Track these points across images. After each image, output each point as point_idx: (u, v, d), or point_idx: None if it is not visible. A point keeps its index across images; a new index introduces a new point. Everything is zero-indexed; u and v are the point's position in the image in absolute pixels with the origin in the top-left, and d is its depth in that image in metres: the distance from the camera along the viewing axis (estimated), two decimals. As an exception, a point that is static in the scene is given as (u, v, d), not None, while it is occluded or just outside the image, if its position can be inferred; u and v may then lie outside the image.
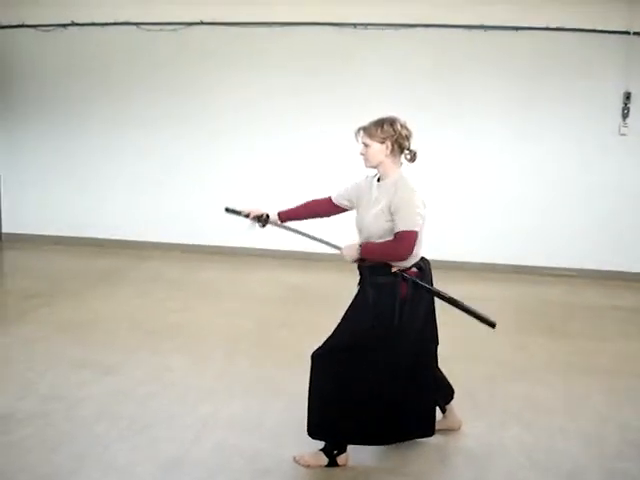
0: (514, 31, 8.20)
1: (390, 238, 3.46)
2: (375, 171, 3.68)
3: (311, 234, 4.01)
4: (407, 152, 3.63)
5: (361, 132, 3.59)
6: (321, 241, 3.91)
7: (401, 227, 3.40)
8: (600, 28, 8.04)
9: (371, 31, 8.45)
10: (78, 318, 6.14)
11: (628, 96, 8.14)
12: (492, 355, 5.49)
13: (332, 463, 3.59)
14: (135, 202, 9.43)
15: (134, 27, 8.88)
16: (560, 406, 4.52)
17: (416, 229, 3.41)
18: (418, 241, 3.46)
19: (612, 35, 8.05)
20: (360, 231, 3.65)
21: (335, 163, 8.57)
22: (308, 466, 3.58)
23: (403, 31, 8.38)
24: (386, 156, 3.55)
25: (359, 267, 3.63)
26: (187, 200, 9.29)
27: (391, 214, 3.43)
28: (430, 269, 3.68)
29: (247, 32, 8.69)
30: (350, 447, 3.64)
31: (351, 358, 3.49)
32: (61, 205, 9.61)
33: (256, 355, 5.31)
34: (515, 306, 7.09)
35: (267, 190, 8.99)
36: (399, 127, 3.56)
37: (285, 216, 4.08)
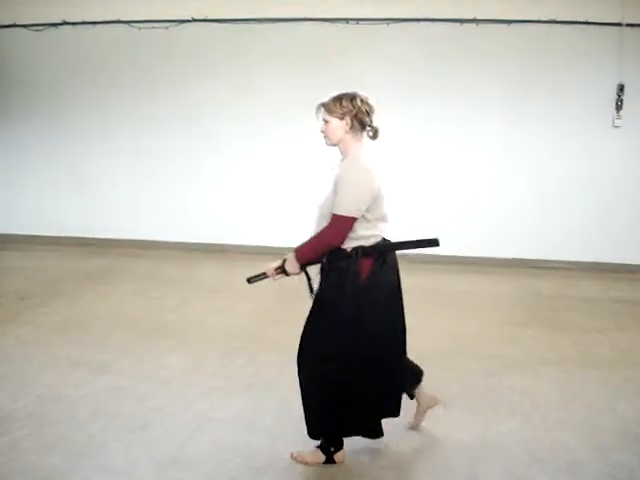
0: (506, 25, 8.21)
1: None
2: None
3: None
4: (369, 129, 3.46)
5: (321, 108, 3.47)
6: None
7: (336, 210, 3.27)
8: (592, 20, 8.06)
9: (363, 26, 8.45)
10: (73, 318, 6.12)
11: (621, 88, 8.16)
12: (488, 348, 5.49)
13: (329, 460, 3.57)
14: (130, 201, 9.43)
15: (126, 25, 8.89)
16: (557, 398, 4.51)
17: (350, 214, 3.26)
18: (370, 225, 3.35)
19: (604, 27, 8.08)
20: (316, 212, 3.51)
21: (330, 158, 8.55)
22: (306, 464, 3.56)
23: (395, 26, 8.39)
24: (346, 132, 3.41)
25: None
26: (182, 198, 9.30)
27: (335, 192, 3.31)
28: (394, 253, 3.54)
29: (239, 29, 8.70)
30: (346, 444, 3.63)
31: (326, 353, 3.44)
32: (55, 205, 9.61)
33: (252, 352, 5.30)
34: (511, 299, 7.09)
35: (263, 186, 9.01)
36: (359, 102, 3.41)
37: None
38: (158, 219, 9.36)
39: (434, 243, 3.43)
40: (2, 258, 8.97)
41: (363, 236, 3.36)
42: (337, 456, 3.58)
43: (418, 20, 8.32)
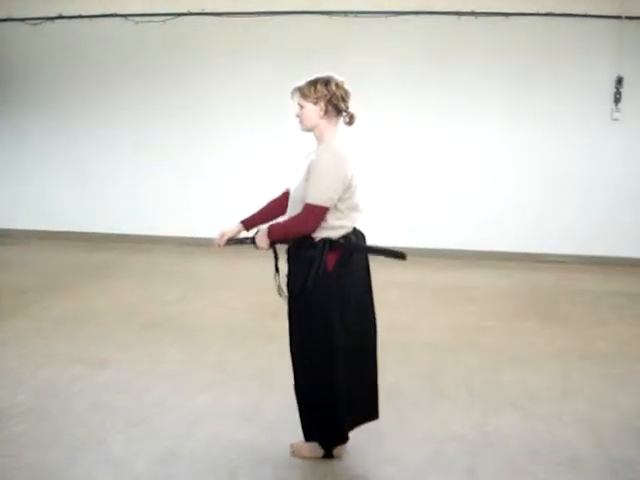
0: (505, 17, 8.18)
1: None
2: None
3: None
4: (345, 115, 3.38)
5: (296, 92, 3.40)
6: None
7: (308, 199, 3.21)
8: (591, 13, 8.03)
9: (361, 19, 8.42)
10: (73, 312, 6.11)
11: (620, 81, 8.14)
12: (488, 342, 5.48)
13: (328, 454, 3.54)
14: (130, 196, 9.43)
15: (122, 19, 8.84)
16: (557, 392, 4.51)
17: (324, 204, 3.20)
18: (341, 215, 3.29)
19: (603, 20, 8.06)
20: (290, 198, 3.48)
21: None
22: (304, 457, 3.54)
23: (394, 19, 8.36)
24: (320, 118, 3.33)
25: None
26: (182, 193, 9.28)
27: (306, 179, 3.26)
28: (365, 242, 3.49)
29: (237, 21, 8.66)
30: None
31: (302, 348, 3.44)
32: (55, 200, 9.60)
33: (251, 346, 5.30)
34: (511, 293, 7.09)
35: (263, 181, 8.97)
36: (334, 87, 3.32)
37: (251, 224, 3.77)
38: (158, 214, 9.34)
39: (400, 256, 3.31)
40: (1, 253, 8.95)
41: (334, 226, 3.29)
42: (336, 451, 3.55)
43: (417, 13, 8.29)
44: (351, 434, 3.57)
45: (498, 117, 8.52)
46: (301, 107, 3.38)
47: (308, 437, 3.56)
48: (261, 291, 6.89)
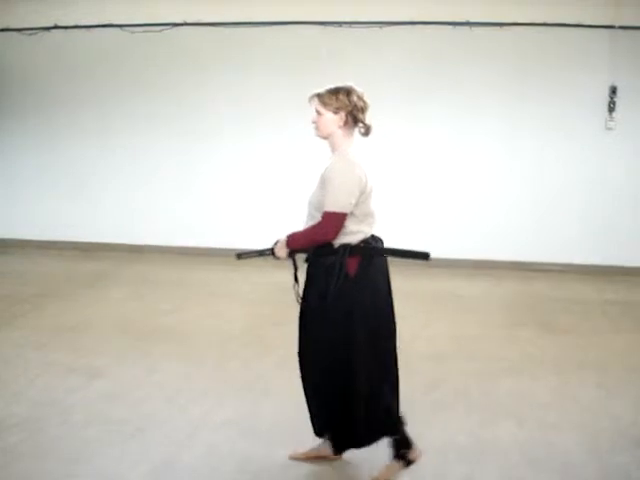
0: (499, 27, 8.21)
1: None
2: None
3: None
4: (361, 126, 3.39)
5: (315, 99, 3.39)
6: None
7: (326, 206, 3.21)
8: (585, 22, 8.06)
9: (356, 29, 8.43)
10: (68, 322, 6.10)
11: (614, 90, 8.16)
12: (484, 351, 5.49)
13: (408, 463, 3.46)
14: (124, 205, 9.41)
15: (118, 29, 8.84)
16: (553, 400, 4.52)
17: (343, 210, 3.20)
18: (358, 220, 3.28)
19: (597, 29, 8.08)
20: (307, 207, 3.45)
21: (321, 161, 8.59)
22: None
23: (388, 29, 8.37)
24: (338, 127, 3.34)
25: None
26: (177, 201, 9.27)
27: (322, 187, 3.27)
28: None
29: (232, 32, 8.66)
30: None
31: (324, 359, 3.37)
32: (49, 209, 9.56)
33: (247, 356, 5.29)
34: (506, 302, 7.09)
35: (259, 189, 9.01)
36: (355, 98, 3.33)
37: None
38: (153, 223, 9.32)
39: (423, 256, 3.32)
40: (-4, 263, 8.95)
41: (352, 231, 3.29)
42: (411, 456, 3.47)
43: (412, 23, 8.30)
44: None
45: (493, 126, 8.54)
46: (319, 114, 3.38)
47: (319, 432, 3.55)
48: (257, 301, 6.92)
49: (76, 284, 7.57)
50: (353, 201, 3.24)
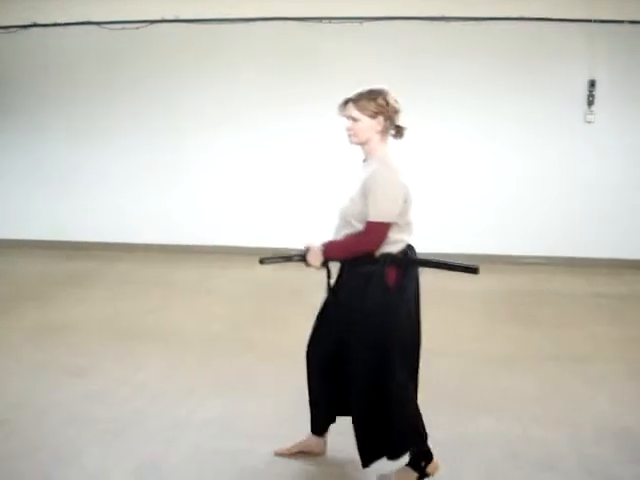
0: (477, 22, 8.24)
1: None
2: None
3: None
4: (392, 127, 3.28)
5: (349, 104, 3.24)
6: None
7: (370, 216, 3.11)
8: (562, 17, 8.11)
9: (336, 25, 8.44)
10: (50, 322, 6.06)
11: (593, 84, 8.23)
12: (464, 345, 5.51)
13: (423, 475, 3.38)
14: (109, 204, 9.38)
15: (96, 26, 8.78)
16: (534, 394, 4.54)
17: (388, 220, 3.12)
18: (400, 229, 3.21)
19: (574, 23, 8.14)
20: (339, 215, 3.33)
21: (305, 157, 8.59)
22: None
23: (368, 24, 8.39)
24: (376, 132, 3.22)
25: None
26: (160, 200, 9.25)
27: (364, 195, 3.13)
28: (416, 255, 3.39)
29: (210, 29, 8.64)
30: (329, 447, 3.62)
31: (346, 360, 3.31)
32: (32, 209, 9.52)
33: (230, 354, 5.28)
34: (489, 296, 7.12)
35: (242, 187, 9.00)
36: (392, 101, 3.24)
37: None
38: (137, 221, 9.28)
39: (472, 270, 3.25)
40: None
41: (394, 240, 3.20)
42: (429, 468, 3.38)
43: (391, 18, 8.32)
44: (330, 437, 3.58)
45: (471, 121, 8.57)
46: (355, 120, 3.22)
47: (317, 430, 3.55)
48: (240, 299, 6.92)
49: (58, 283, 7.52)
50: (397, 211, 3.16)
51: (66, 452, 3.68)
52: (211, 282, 7.73)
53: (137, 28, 8.74)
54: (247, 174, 9.01)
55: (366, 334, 3.22)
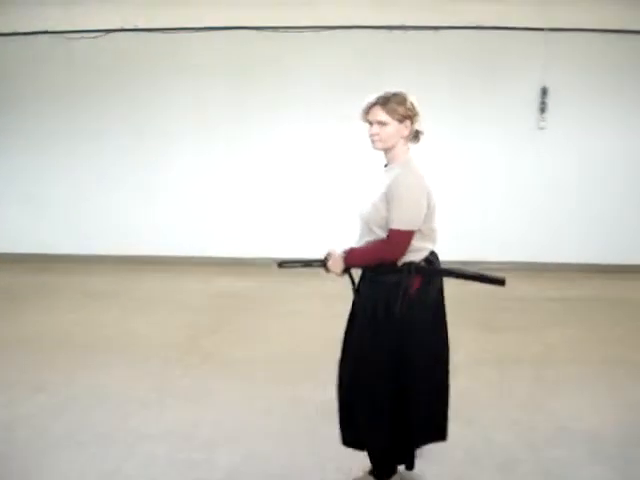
0: (434, 31, 8.32)
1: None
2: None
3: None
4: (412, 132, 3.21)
5: (376, 108, 3.12)
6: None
7: (394, 224, 3.02)
8: (516, 25, 8.23)
9: (292, 34, 8.46)
10: (7, 336, 5.98)
11: (545, 91, 8.37)
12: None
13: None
14: (65, 214, 9.28)
15: (54, 35, 8.69)
16: (492, 398, 4.59)
17: (412, 228, 3.04)
18: (423, 237, 3.14)
19: (528, 32, 8.27)
20: (359, 222, 3.25)
21: (270, 165, 8.63)
22: None
23: (324, 33, 8.42)
24: (401, 137, 3.14)
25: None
26: (120, 211, 9.17)
27: (387, 202, 3.04)
28: (439, 264, 3.33)
29: (168, 37, 8.61)
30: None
31: (372, 369, 3.21)
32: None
33: (188, 364, 5.26)
34: (447, 301, 7.14)
35: (205, 198, 8.97)
36: (416, 104, 3.18)
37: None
38: (95, 233, 9.20)
39: (499, 282, 3.17)
40: None
41: (418, 248, 3.13)
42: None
43: (347, 27, 8.37)
44: (290, 442, 3.57)
45: (428, 127, 8.62)
46: (383, 124, 3.12)
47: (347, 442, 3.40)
48: (194, 309, 6.89)
49: (16, 297, 7.41)
50: (422, 219, 3.08)
51: (27, 466, 3.64)
52: (171, 293, 7.68)
53: (95, 37, 8.68)
54: (211, 185, 8.99)
55: (382, 344, 3.16)
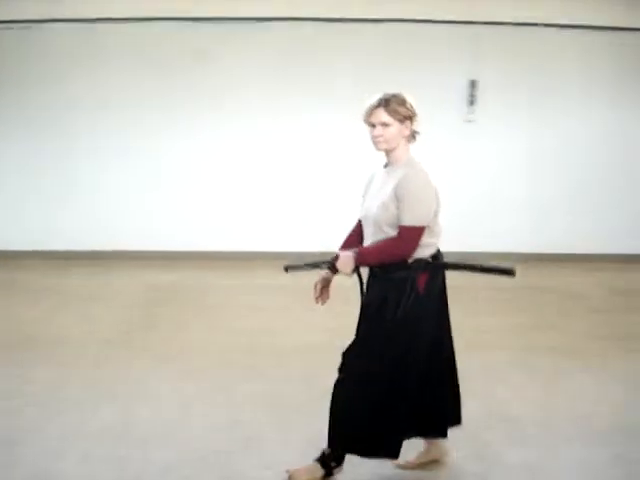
0: (364, 23, 8.36)
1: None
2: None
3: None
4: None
5: (379, 109, 3.20)
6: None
7: (405, 221, 3.10)
8: (446, 19, 8.34)
9: (226, 25, 8.38)
10: None
11: (474, 84, 8.51)
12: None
13: (329, 474, 3.38)
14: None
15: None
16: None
17: (421, 224, 3.12)
18: (432, 232, 3.21)
19: (458, 25, 8.39)
20: (367, 222, 3.32)
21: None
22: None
23: (262, 25, 8.42)
24: (403, 137, 3.22)
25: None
26: (48, 205, 8.97)
27: (397, 200, 3.12)
28: (442, 257, 3.40)
29: (88, 28, 8.43)
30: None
31: (374, 373, 3.24)
32: None
33: (121, 360, 5.20)
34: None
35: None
36: (415, 105, 3.26)
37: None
38: (21, 227, 8.96)
39: (508, 272, 3.27)
40: None
41: (427, 244, 3.21)
42: (336, 470, 3.41)
43: (271, 20, 8.36)
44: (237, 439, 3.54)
45: (354, 122, 8.64)
46: (386, 126, 3.19)
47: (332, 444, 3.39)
48: (127, 304, 6.79)
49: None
50: (431, 215, 3.18)
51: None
52: (98, 288, 7.55)
53: (27, 27, 8.44)
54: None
55: (389, 340, 3.21)
